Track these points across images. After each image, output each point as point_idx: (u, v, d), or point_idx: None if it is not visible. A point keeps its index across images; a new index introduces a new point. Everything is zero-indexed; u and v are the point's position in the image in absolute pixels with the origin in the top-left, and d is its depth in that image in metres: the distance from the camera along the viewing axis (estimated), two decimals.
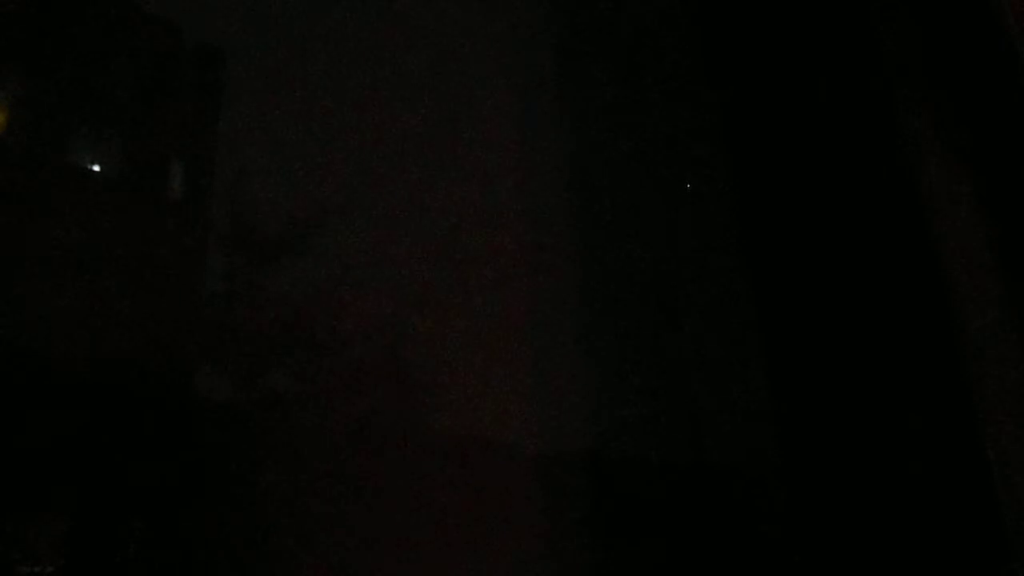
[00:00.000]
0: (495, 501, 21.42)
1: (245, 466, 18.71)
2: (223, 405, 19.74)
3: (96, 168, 21.97)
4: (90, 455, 18.29)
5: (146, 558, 17.89)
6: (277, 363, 21.41)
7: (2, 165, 19.74)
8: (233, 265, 22.42)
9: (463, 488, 20.35)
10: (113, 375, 18.58)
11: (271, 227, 22.92)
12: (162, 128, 23.46)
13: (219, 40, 25.21)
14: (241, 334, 20.88)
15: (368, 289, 21.84)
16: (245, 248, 22.39)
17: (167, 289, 21.27)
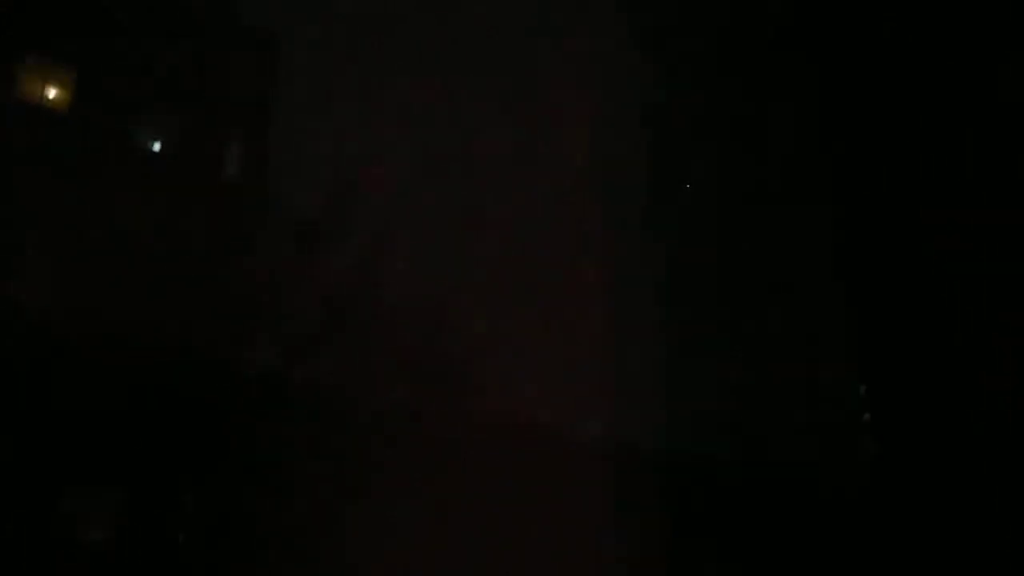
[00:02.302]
0: (529, 486, 21.66)
1: (289, 443, 19.19)
2: (269, 382, 20.25)
3: (156, 147, 22.58)
4: (143, 429, 18.93)
5: (196, 528, 18.58)
6: (321, 343, 21.85)
7: (65, 142, 20.39)
8: (281, 246, 22.87)
9: (503, 472, 20.62)
10: (164, 350, 19.19)
11: (318, 211, 23.27)
12: (218, 110, 23.94)
13: (275, 23, 25.63)
14: (287, 313, 21.38)
15: (411, 273, 22.13)
16: (293, 230, 22.81)
17: (219, 267, 21.83)
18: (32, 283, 18.45)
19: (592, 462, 22.30)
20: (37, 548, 16.54)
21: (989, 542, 18.75)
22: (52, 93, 20.33)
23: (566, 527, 21.44)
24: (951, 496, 19.08)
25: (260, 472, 18.91)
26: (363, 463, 19.57)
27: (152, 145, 22.26)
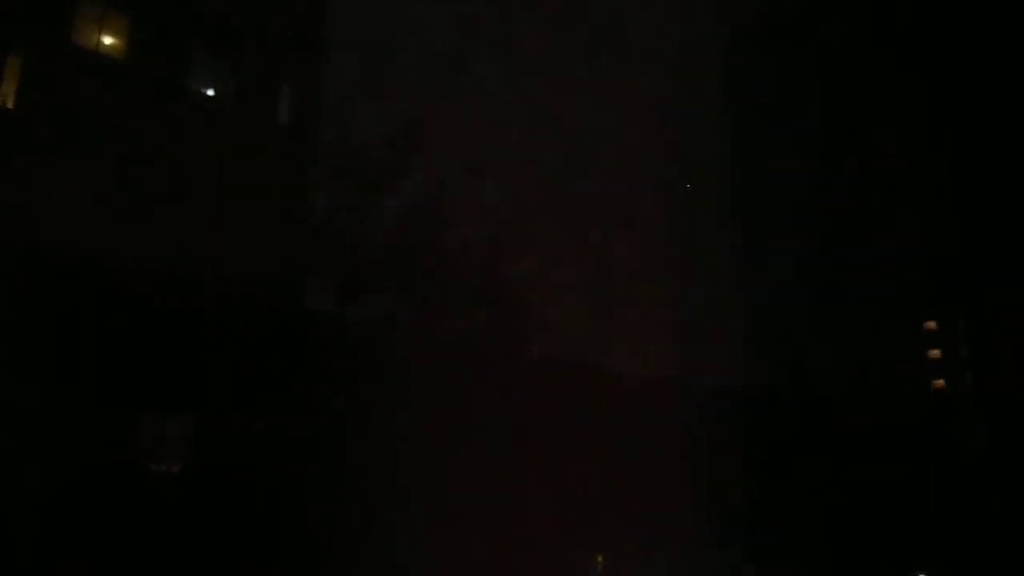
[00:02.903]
0: (581, 426, 21.31)
1: (351, 377, 19.30)
2: (332, 319, 20.37)
3: (210, 92, 22.71)
4: (211, 362, 19.26)
5: (262, 458, 18.91)
6: (382, 281, 21.84)
7: (123, 87, 20.64)
8: (339, 187, 22.86)
9: (564, 403, 20.35)
10: (229, 289, 19.44)
11: (373, 151, 23.14)
12: (271, 55, 23.92)
13: None
14: (347, 252, 21.42)
15: (468, 210, 21.96)
16: (349, 171, 22.75)
17: (279, 209, 21.94)
18: (97, 227, 18.91)
19: (650, 395, 21.86)
20: (113, 475, 17.10)
21: None
22: (107, 40, 20.61)
23: (627, 461, 21.05)
24: None
25: (327, 406, 19.13)
26: (425, 396, 19.58)
27: (207, 90, 22.45)
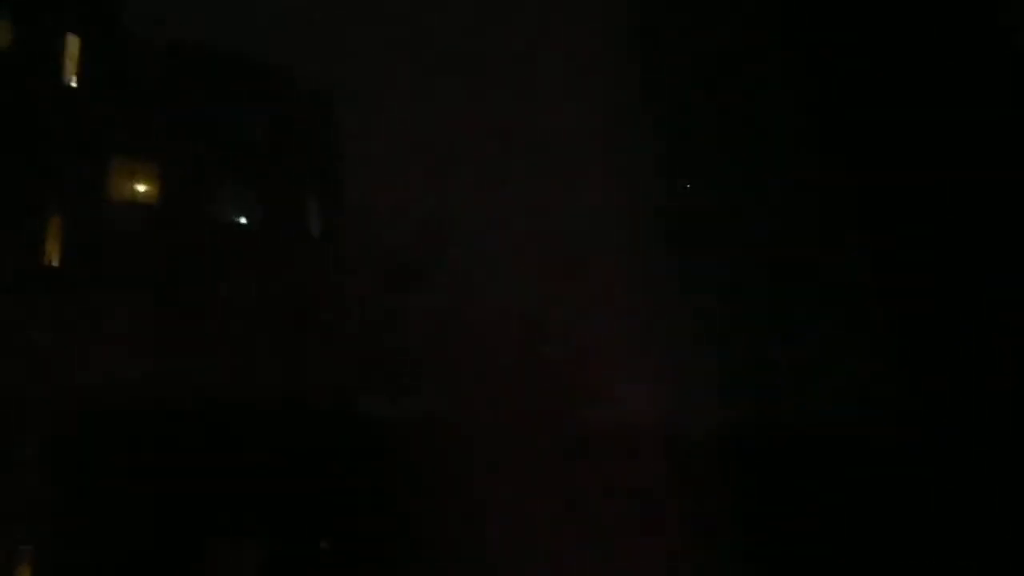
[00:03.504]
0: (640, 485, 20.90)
1: (408, 480, 19.38)
2: (382, 425, 20.58)
3: (243, 220, 23.60)
4: (273, 481, 19.55)
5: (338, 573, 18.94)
6: (425, 381, 22.11)
7: (161, 226, 21.58)
8: (373, 293, 23.33)
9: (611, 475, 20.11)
10: (278, 408, 19.87)
11: (401, 254, 23.65)
12: (292, 173, 24.85)
13: (331, 81, 26.49)
14: (388, 357, 21.76)
15: (498, 300, 22.37)
16: (382, 275, 23.23)
17: (318, 322, 22.44)
18: (148, 366, 19.57)
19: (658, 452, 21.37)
20: None
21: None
22: (141, 188, 21.75)
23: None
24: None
25: (387, 510, 19.23)
26: (482, 487, 19.57)
27: (239, 219, 23.42)
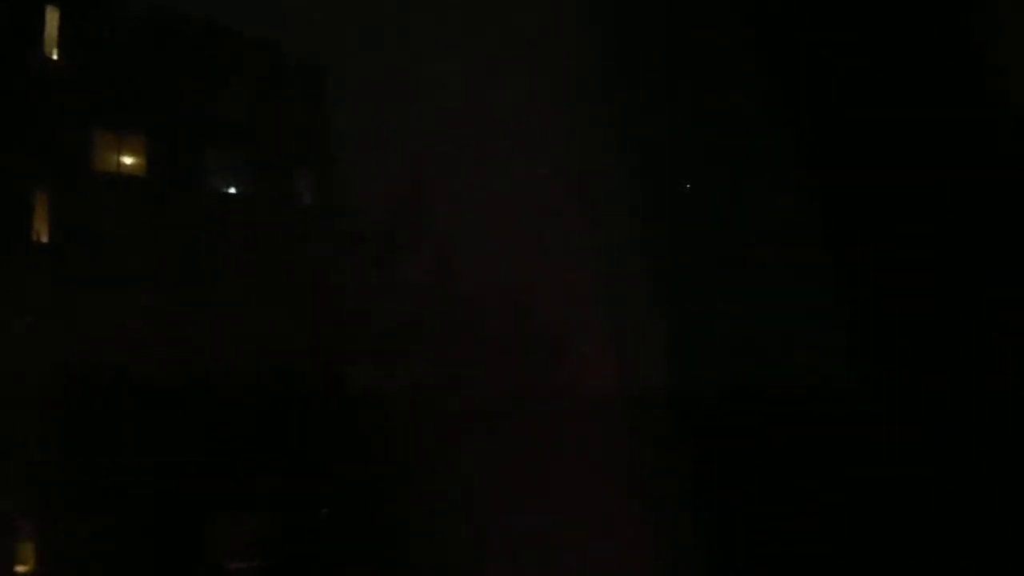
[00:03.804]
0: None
1: (395, 452, 19.81)
2: (369, 394, 20.91)
3: (232, 190, 23.57)
4: (264, 454, 19.98)
5: (333, 544, 19.53)
6: (412, 349, 22.38)
7: (145, 201, 21.57)
8: (360, 261, 23.48)
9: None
10: (267, 377, 20.15)
11: (387, 222, 23.74)
12: (279, 144, 24.74)
13: (319, 54, 26.24)
14: (375, 326, 21.99)
15: (480, 270, 22.52)
16: (368, 244, 23.36)
17: (307, 291, 22.62)
18: (141, 336, 19.75)
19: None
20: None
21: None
22: (127, 161, 21.64)
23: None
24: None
25: (373, 477, 19.68)
26: (466, 455, 19.99)
27: (226, 188, 23.35)
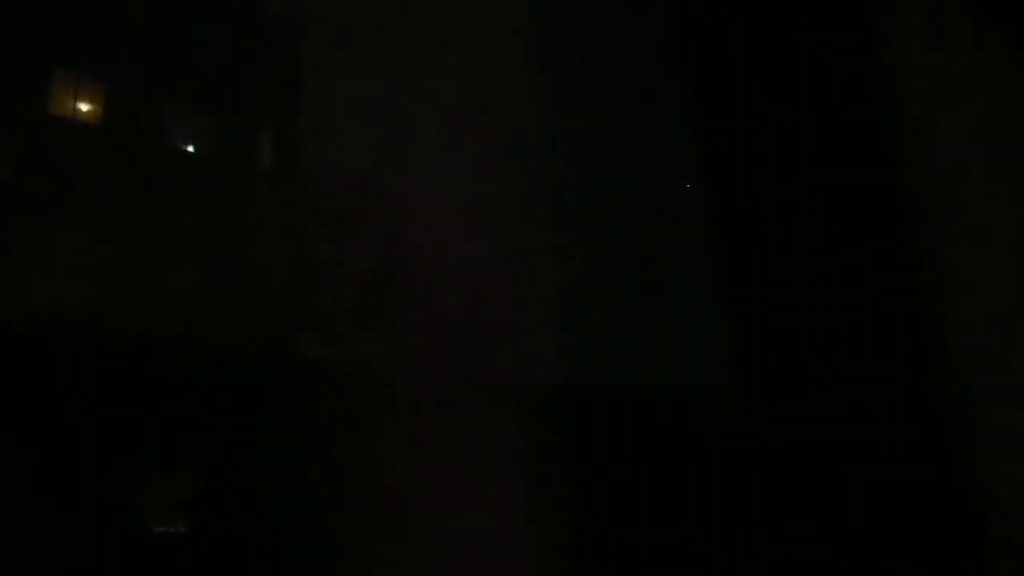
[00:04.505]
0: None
1: (342, 424, 19.77)
2: (318, 365, 20.82)
3: (190, 148, 23.20)
4: (206, 416, 19.76)
5: (268, 515, 19.34)
6: (366, 321, 22.34)
7: (100, 151, 21.13)
8: (319, 230, 23.32)
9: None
10: (219, 339, 19.91)
11: (345, 196, 23.62)
12: (245, 105, 24.40)
13: (295, 13, 25.90)
14: (324, 299, 21.93)
15: (432, 256, 22.63)
16: (326, 212, 23.22)
17: (262, 256, 22.39)
18: (78, 288, 19.34)
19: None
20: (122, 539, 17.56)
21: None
22: (83, 107, 21.08)
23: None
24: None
25: (317, 455, 19.60)
26: (416, 436, 20.07)
27: (186, 146, 22.91)
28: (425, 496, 19.16)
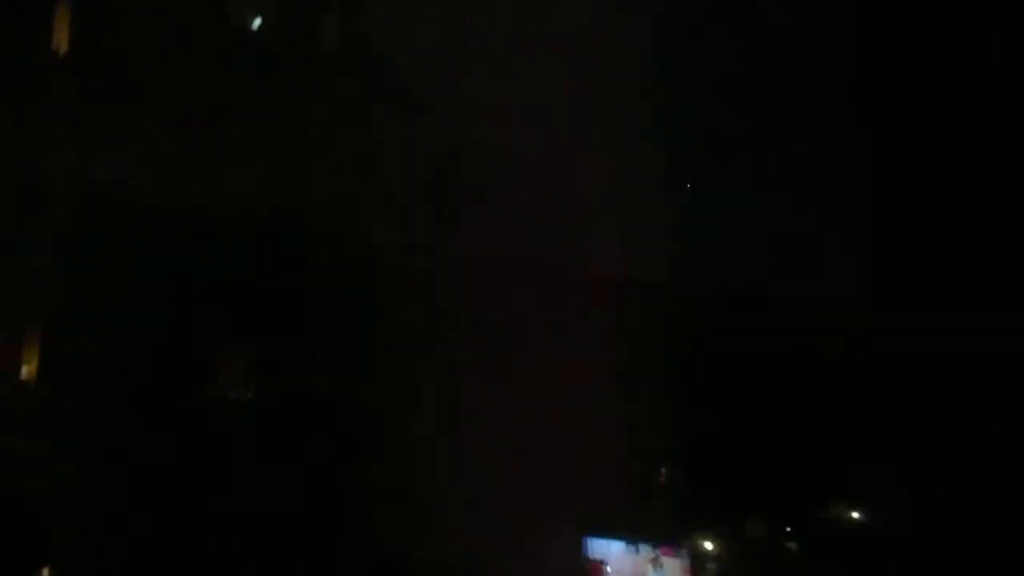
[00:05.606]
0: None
1: (405, 306, 19.75)
2: (383, 250, 20.73)
3: (254, 25, 22.75)
4: (278, 293, 20.06)
5: (330, 386, 19.81)
6: (433, 208, 22.04)
7: (169, 29, 20.89)
8: (386, 115, 22.86)
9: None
10: (285, 222, 19.96)
11: (418, 76, 22.95)
12: None
13: None
14: (397, 180, 21.59)
15: (509, 133, 21.80)
16: (395, 97, 22.69)
17: (328, 140, 22.14)
18: (155, 170, 19.50)
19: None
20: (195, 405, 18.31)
21: None
22: None
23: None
24: None
25: (385, 338, 19.77)
26: (482, 323, 19.97)
27: (251, 23, 22.41)
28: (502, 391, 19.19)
